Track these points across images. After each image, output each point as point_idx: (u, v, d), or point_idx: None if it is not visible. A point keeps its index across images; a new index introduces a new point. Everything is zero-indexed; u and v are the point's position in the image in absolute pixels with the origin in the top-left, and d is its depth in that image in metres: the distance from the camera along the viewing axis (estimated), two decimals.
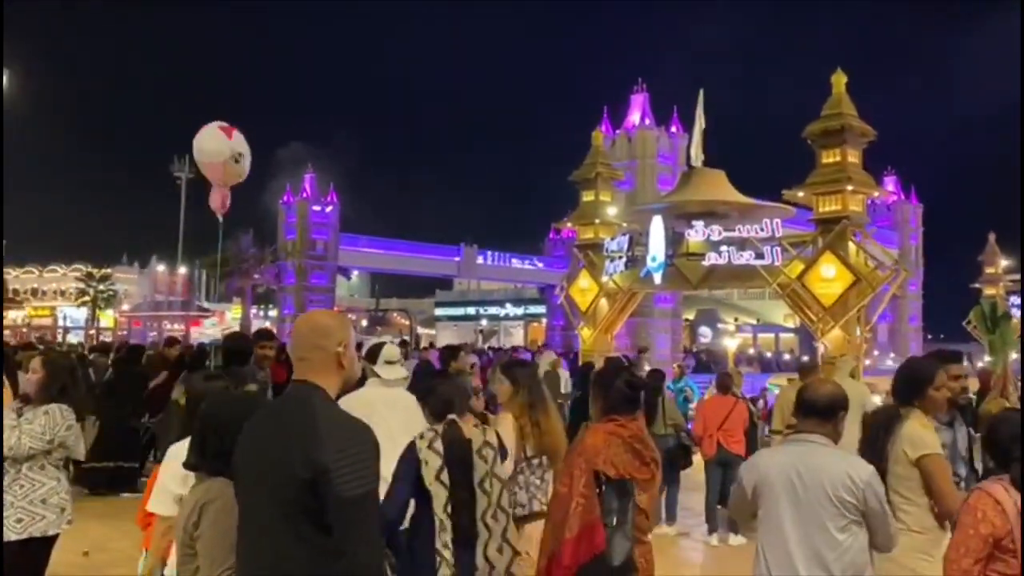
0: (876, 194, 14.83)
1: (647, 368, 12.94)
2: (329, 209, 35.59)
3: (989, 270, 31.20)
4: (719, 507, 8.27)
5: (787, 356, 40.14)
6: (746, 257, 14.66)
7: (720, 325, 48.50)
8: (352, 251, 36.62)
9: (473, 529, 3.38)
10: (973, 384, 15.09)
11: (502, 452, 3.64)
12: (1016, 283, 29.76)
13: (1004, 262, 31.23)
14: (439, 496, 3.39)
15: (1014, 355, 14.67)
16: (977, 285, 31.81)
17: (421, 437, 3.53)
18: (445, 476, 3.42)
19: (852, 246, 13.76)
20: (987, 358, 25.46)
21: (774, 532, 3.09)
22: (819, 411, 3.13)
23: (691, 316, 44.78)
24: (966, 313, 31.28)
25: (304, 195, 35.55)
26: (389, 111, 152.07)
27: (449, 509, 3.37)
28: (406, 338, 27.07)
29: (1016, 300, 29.80)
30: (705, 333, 48.21)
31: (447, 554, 3.34)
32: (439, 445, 3.47)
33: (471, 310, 53.92)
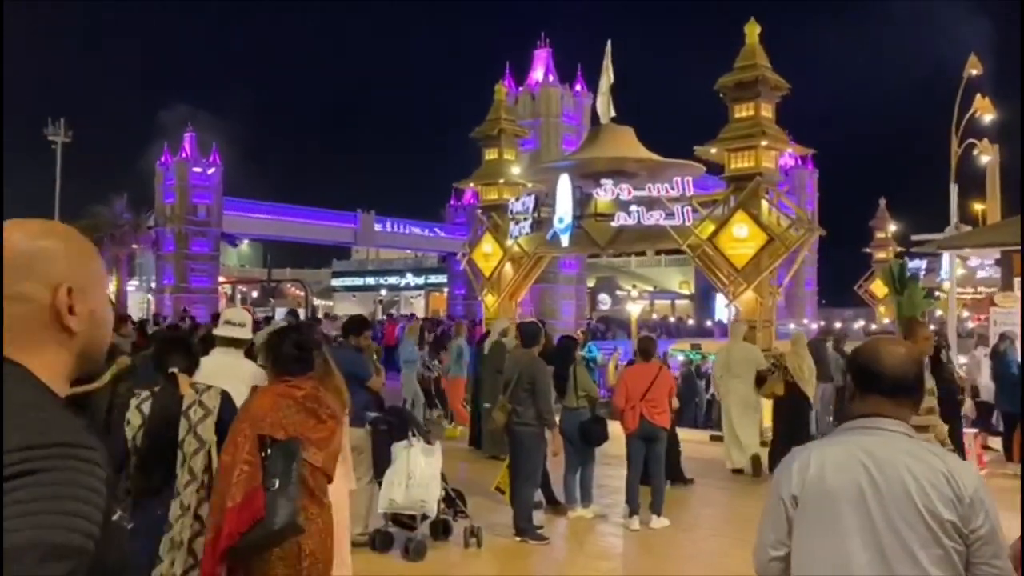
0: (790, 150, 14.36)
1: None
2: (212, 171, 33.09)
3: (880, 235, 31.90)
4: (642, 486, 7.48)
5: (691, 322, 40.53)
6: (656, 217, 13.95)
7: (619, 292, 48.77)
8: (238, 217, 34.28)
9: (163, 487, 3.53)
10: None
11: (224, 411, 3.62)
12: (905, 249, 30.49)
13: (893, 227, 32.01)
14: (133, 456, 3.60)
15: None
16: (868, 250, 32.59)
17: (136, 396, 3.68)
18: (140, 437, 3.58)
19: (765, 205, 13.22)
20: (885, 320, 25.97)
21: (829, 562, 2.03)
22: (893, 385, 2.10)
23: (591, 284, 44.61)
24: (857, 278, 32.31)
25: (183, 155, 32.94)
26: (280, 71, 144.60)
27: (133, 468, 3.55)
28: (298, 310, 25.45)
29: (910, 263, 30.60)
30: (604, 300, 48.41)
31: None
32: (146, 406, 3.62)
33: (370, 280, 52.03)
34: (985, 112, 15.43)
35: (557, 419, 7.49)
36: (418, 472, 6.14)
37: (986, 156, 16.44)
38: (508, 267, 16.53)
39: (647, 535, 7.18)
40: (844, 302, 41.81)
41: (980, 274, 25.00)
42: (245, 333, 4.60)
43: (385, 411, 6.63)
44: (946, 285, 23.24)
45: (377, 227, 39.86)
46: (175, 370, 3.71)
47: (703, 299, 49.17)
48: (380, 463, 6.32)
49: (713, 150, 13.50)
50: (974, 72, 15.33)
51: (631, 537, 7.16)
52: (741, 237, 12.99)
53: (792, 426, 9.76)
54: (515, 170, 17.34)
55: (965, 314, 21.65)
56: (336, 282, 54.81)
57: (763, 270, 12.86)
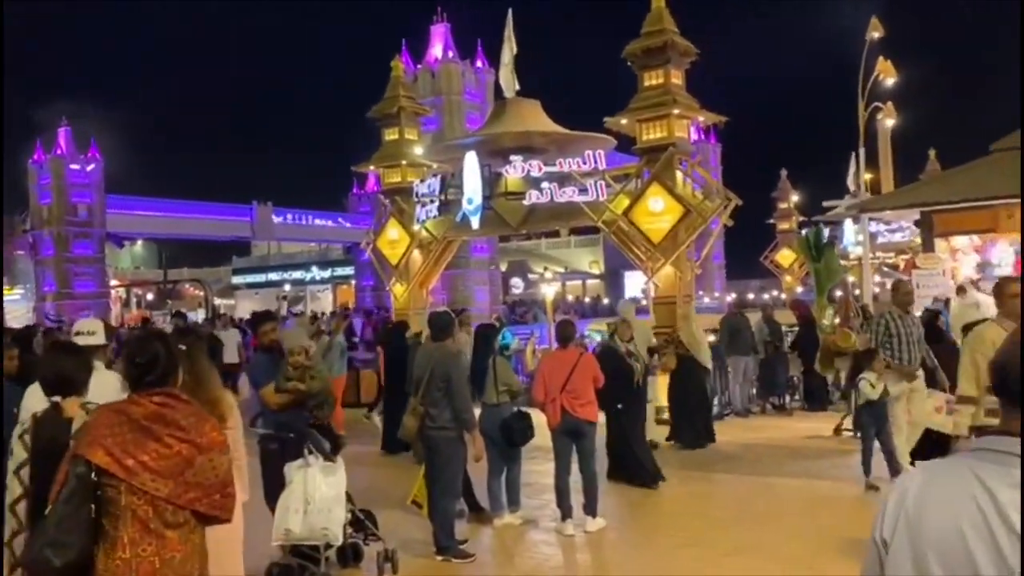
0: (702, 118, 13.93)
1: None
2: (91, 168, 30.67)
3: (782, 205, 32.32)
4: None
5: (606, 301, 40.50)
6: (568, 194, 13.28)
7: (530, 276, 48.48)
8: (124, 215, 31.95)
9: None
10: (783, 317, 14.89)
11: None
12: (808, 218, 30.99)
13: (795, 198, 32.50)
14: (12, 492, 3.27)
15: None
16: (771, 221, 33.02)
17: (20, 425, 3.38)
18: (25, 473, 3.25)
19: (679, 176, 12.75)
20: (799, 289, 26.25)
21: None
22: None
23: (503, 268, 44.07)
24: (762, 250, 32.73)
25: (59, 152, 30.41)
26: (161, 58, 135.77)
27: (19, 505, 3.22)
28: (186, 312, 23.78)
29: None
30: (517, 284, 48.03)
31: (6, 553, 3.25)
32: (28, 438, 3.30)
33: (273, 276, 49.89)
34: (887, 75, 15.39)
35: (477, 417, 6.70)
36: (318, 496, 5.25)
37: (890, 120, 16.49)
38: (416, 254, 15.59)
39: (583, 541, 6.49)
40: (751, 273, 42.51)
41: (880, 240, 25.51)
42: (96, 340, 4.40)
43: (276, 425, 5.69)
44: (852, 251, 23.67)
45: (276, 219, 38.08)
46: (58, 399, 3.32)
47: (613, 278, 49.41)
48: (271, 487, 5.41)
49: (624, 121, 12.91)
50: (876, 35, 15.25)
51: (566, 544, 6.45)
52: (657, 210, 12.47)
53: (687, 399, 10.23)
54: (418, 150, 16.38)
55: (878, 279, 21.96)
56: (237, 279, 52.49)
57: (680, 244, 12.40)
